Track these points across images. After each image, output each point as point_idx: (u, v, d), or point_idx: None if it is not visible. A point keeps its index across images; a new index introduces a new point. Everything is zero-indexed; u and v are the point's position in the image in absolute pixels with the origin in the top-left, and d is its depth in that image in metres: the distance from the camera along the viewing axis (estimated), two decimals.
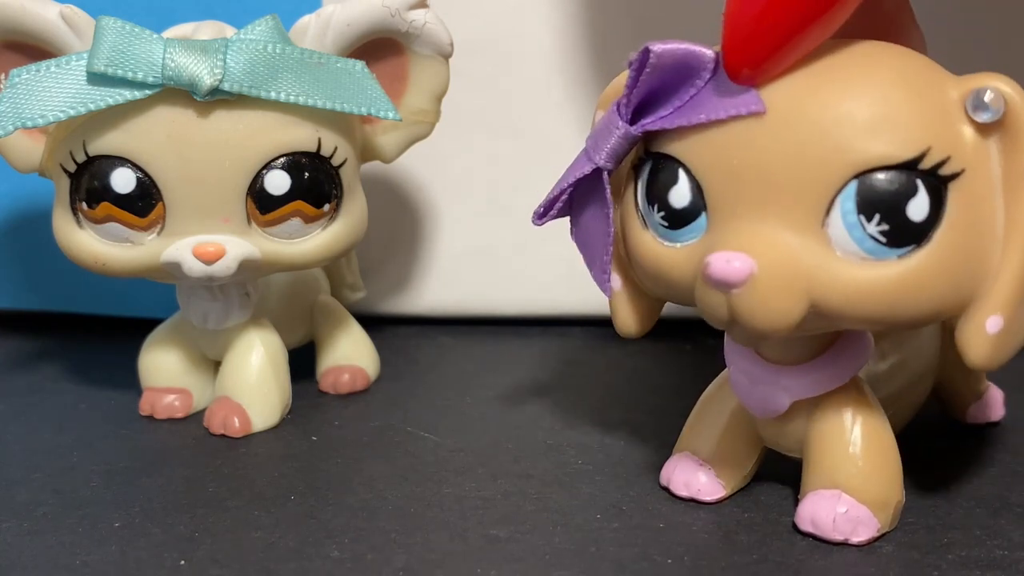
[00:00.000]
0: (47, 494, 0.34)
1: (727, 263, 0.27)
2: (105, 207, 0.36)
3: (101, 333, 0.49)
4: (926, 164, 0.26)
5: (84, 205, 0.36)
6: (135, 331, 0.43)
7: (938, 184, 0.27)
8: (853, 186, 0.27)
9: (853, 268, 0.27)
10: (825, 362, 0.30)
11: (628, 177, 0.31)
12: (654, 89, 0.28)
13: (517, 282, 0.49)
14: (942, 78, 0.27)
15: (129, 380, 0.42)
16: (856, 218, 0.27)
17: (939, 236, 0.27)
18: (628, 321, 0.32)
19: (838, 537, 0.30)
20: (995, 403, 0.38)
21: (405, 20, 0.37)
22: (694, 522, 0.32)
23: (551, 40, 0.46)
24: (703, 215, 0.28)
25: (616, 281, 0.32)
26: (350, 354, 0.43)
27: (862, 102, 0.27)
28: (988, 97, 0.27)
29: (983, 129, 0.27)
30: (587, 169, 0.30)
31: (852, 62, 0.27)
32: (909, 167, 0.26)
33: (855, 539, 0.30)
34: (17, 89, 0.34)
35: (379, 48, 0.38)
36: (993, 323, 0.27)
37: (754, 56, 0.27)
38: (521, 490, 0.34)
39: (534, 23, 0.46)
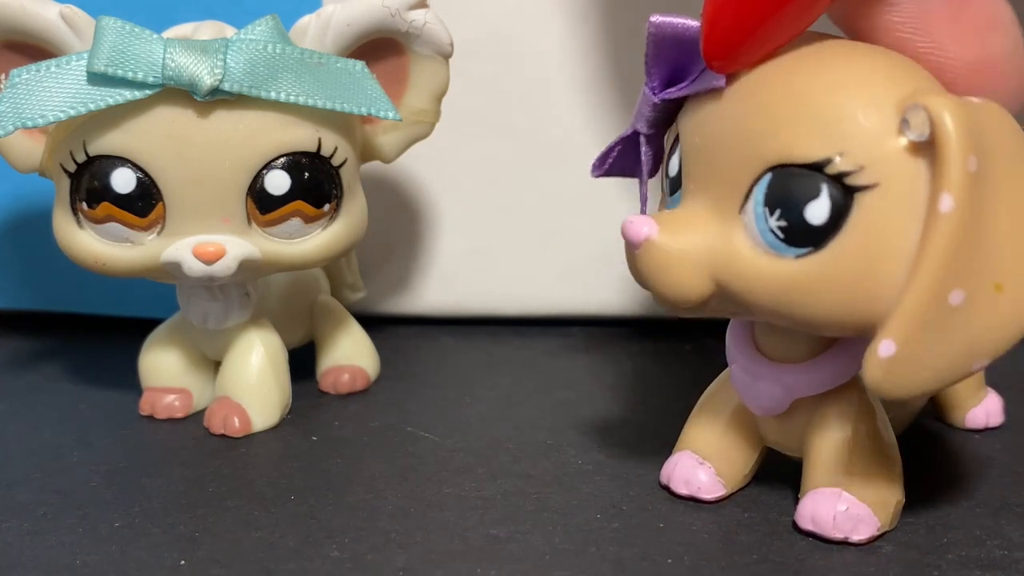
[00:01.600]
0: (47, 494, 0.34)
1: (631, 224, 0.29)
2: (105, 207, 0.36)
3: (101, 333, 0.49)
4: (832, 169, 0.26)
5: (84, 205, 0.36)
6: (135, 331, 0.43)
7: (844, 192, 0.26)
8: (768, 178, 0.27)
9: (755, 257, 0.28)
10: (826, 360, 0.31)
11: (670, 143, 0.32)
12: (678, 62, 0.29)
13: (517, 282, 0.49)
14: (892, 88, 0.27)
15: (129, 380, 0.42)
16: (762, 209, 0.27)
17: (837, 244, 0.27)
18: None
19: (838, 535, 0.30)
20: (994, 409, 0.38)
21: (405, 20, 0.37)
22: (694, 522, 0.32)
23: (551, 40, 0.46)
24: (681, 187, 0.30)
25: None
26: (350, 354, 0.43)
27: (790, 95, 0.27)
28: (913, 117, 0.26)
29: (919, 149, 0.26)
30: (628, 132, 0.31)
31: (811, 56, 0.28)
32: (816, 168, 0.26)
33: (855, 537, 0.30)
34: (17, 89, 0.34)
35: (379, 48, 0.38)
36: (885, 347, 0.26)
37: (726, 46, 0.27)
38: (521, 490, 0.34)
39: (534, 23, 0.46)
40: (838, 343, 0.31)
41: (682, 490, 0.33)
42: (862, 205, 0.26)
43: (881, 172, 0.26)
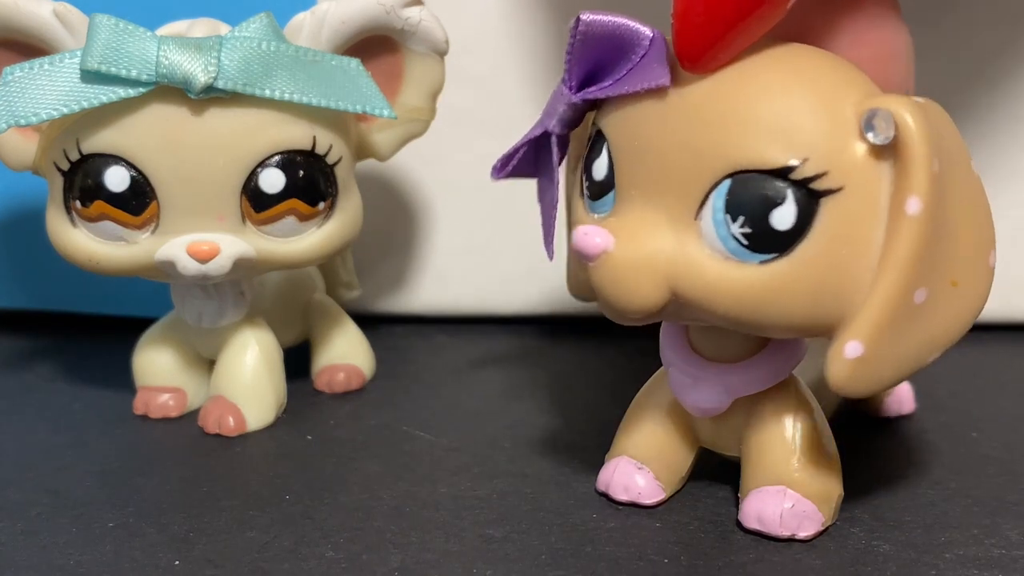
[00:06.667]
0: (41, 494, 0.34)
1: (584, 235, 0.28)
2: (99, 206, 0.36)
3: (95, 332, 0.48)
4: (799, 175, 0.26)
5: (78, 204, 0.36)
6: (129, 330, 0.43)
7: (810, 196, 0.26)
8: (727, 184, 0.27)
9: (715, 265, 0.27)
10: (764, 359, 0.31)
11: (585, 144, 0.31)
12: (599, 60, 0.29)
13: (513, 281, 0.49)
14: (848, 92, 0.27)
15: (123, 379, 0.42)
16: (723, 216, 0.27)
17: (803, 249, 0.27)
18: (573, 282, 0.34)
19: (785, 533, 0.30)
20: (906, 397, 0.39)
21: (400, 17, 0.37)
22: (691, 521, 0.32)
23: (546, 38, 0.46)
24: (613, 191, 0.29)
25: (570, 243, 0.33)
26: (345, 353, 0.43)
27: (750, 101, 0.27)
28: (878, 120, 0.26)
29: (878, 152, 0.26)
30: (538, 131, 0.30)
31: (762, 62, 0.27)
32: (781, 174, 0.26)
33: (802, 534, 0.30)
34: (10, 87, 0.34)
35: (374, 46, 0.38)
36: (852, 348, 0.27)
37: (701, 43, 0.27)
38: (517, 489, 0.34)
39: (529, 21, 0.46)
40: (774, 341, 0.31)
41: (622, 496, 0.33)
42: (827, 209, 0.26)
43: (845, 176, 0.26)
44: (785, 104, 0.27)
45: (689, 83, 0.27)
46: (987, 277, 0.28)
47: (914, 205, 0.26)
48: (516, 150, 0.31)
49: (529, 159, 0.31)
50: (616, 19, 0.28)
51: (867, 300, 0.27)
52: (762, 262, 0.27)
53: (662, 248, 0.27)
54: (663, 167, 0.27)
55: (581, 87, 0.29)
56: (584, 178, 0.30)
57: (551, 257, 0.32)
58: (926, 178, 0.26)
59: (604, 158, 0.29)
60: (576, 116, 0.30)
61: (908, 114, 0.26)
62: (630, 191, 0.28)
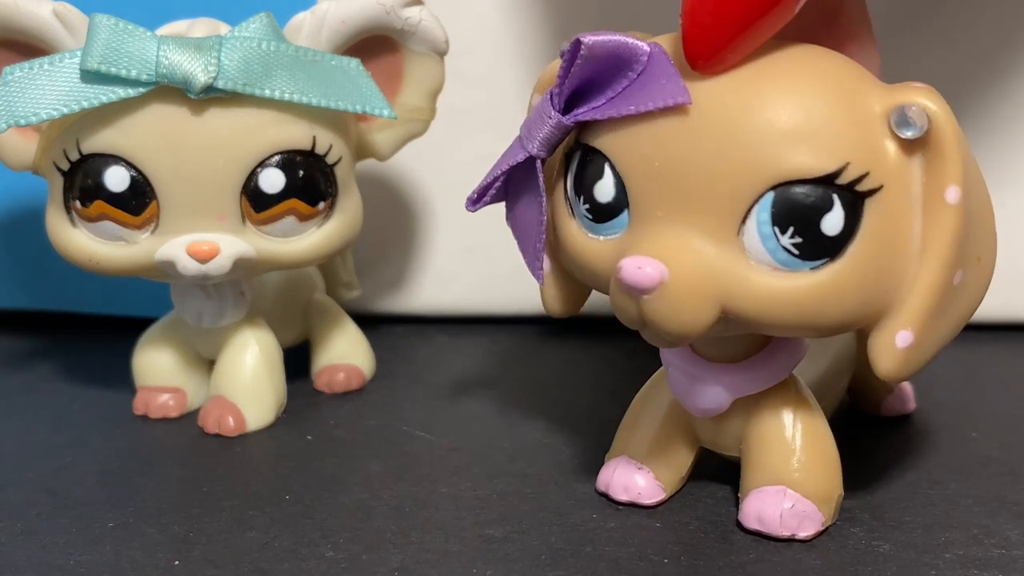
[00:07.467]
0: (41, 494, 0.34)
1: (638, 269, 0.27)
2: (99, 205, 0.36)
3: (95, 332, 0.48)
4: (844, 179, 0.26)
5: (78, 203, 0.36)
6: (129, 330, 0.43)
7: (855, 199, 0.27)
8: (770, 197, 0.27)
9: (765, 277, 0.27)
10: (764, 359, 0.31)
11: (560, 164, 0.30)
12: (588, 79, 0.28)
13: (513, 281, 0.49)
14: (869, 89, 0.27)
15: (123, 379, 0.42)
16: (771, 229, 0.27)
17: (853, 251, 0.27)
18: (555, 302, 0.33)
19: (785, 533, 0.30)
20: (907, 396, 0.39)
21: (400, 17, 0.37)
22: (691, 521, 0.32)
23: (546, 38, 0.46)
24: (625, 212, 0.28)
25: (546, 263, 0.32)
26: (345, 353, 0.43)
27: (784, 111, 0.26)
28: (912, 114, 0.26)
29: (906, 145, 0.27)
30: (520, 157, 0.30)
31: (783, 67, 0.27)
32: (826, 181, 0.26)
33: (802, 534, 0.30)
34: (10, 87, 0.34)
35: (374, 46, 0.38)
36: (903, 337, 0.27)
37: (711, 43, 0.26)
38: (517, 489, 0.34)
39: (529, 21, 0.46)
40: (774, 341, 0.31)
41: (621, 496, 0.33)
42: (871, 209, 0.27)
43: (883, 174, 0.27)
44: (816, 110, 0.26)
45: (708, 96, 0.27)
46: (995, 244, 0.29)
47: (953, 194, 0.26)
48: (494, 179, 0.30)
49: (501, 185, 0.31)
50: (615, 37, 0.27)
51: (913, 289, 0.27)
52: (812, 268, 0.27)
53: (710, 269, 0.27)
54: (693, 185, 0.27)
55: (568, 107, 0.29)
56: (580, 200, 0.29)
57: (540, 282, 0.32)
58: (961, 167, 0.26)
59: (609, 179, 0.28)
60: (562, 138, 0.29)
61: (937, 106, 0.26)
62: (654, 212, 0.28)
